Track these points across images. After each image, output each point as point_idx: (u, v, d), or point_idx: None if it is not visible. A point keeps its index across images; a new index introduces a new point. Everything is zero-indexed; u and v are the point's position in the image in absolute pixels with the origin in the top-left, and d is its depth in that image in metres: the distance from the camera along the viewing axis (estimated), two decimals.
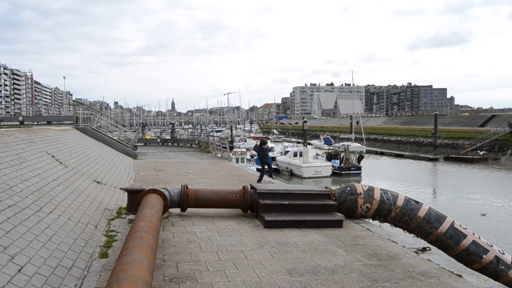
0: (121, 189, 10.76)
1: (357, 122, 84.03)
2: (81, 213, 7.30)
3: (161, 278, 5.17)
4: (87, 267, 5.40)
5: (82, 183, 9.51)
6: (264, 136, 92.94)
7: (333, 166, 40.62)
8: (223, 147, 23.67)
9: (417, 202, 8.38)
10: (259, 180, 14.35)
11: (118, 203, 9.12)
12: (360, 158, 42.25)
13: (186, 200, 8.15)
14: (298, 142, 61.29)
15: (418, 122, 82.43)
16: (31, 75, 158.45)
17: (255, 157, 46.07)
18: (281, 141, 72.68)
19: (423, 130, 68.94)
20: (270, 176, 14.88)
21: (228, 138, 49.72)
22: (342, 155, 42.97)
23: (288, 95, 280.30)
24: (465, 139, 58.26)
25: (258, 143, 15.41)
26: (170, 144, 34.90)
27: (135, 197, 7.79)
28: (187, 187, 8.31)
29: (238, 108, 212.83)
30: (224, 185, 12.33)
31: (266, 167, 14.92)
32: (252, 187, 8.61)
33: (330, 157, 44.21)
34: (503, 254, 7.95)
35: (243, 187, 8.45)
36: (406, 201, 8.32)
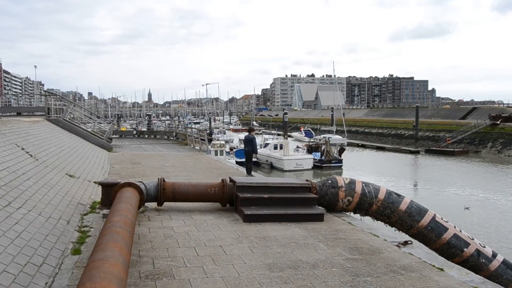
0: (95, 182, 10.61)
1: (343, 114, 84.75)
2: (52, 208, 7.16)
3: (136, 274, 5.10)
4: (58, 264, 5.29)
5: (53, 176, 9.33)
6: (246, 128, 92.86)
7: (314, 159, 40.85)
8: (202, 140, 23.58)
9: (398, 195, 8.47)
10: (249, 172, 14.41)
11: (92, 198, 8.99)
12: (342, 150, 42.60)
13: (163, 194, 8.07)
14: (279, 134, 61.41)
15: (400, 114, 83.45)
16: (0, 64, 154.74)
17: (234, 150, 46.09)
18: (261, 133, 72.68)
19: (405, 123, 69.83)
20: (248, 171, 14.83)
21: (207, 130, 49.40)
22: (323, 147, 43.24)
23: (269, 86, 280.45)
24: (446, 131, 59.27)
25: (248, 132, 15.51)
26: (146, 136, 34.62)
27: (110, 191, 7.67)
28: (164, 180, 8.23)
29: (217, 99, 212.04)
30: (203, 178, 12.26)
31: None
32: (231, 180, 8.58)
33: (311, 149, 44.44)
34: (484, 247, 8.11)
35: (222, 180, 8.42)
36: (387, 194, 8.39)
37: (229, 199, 8.26)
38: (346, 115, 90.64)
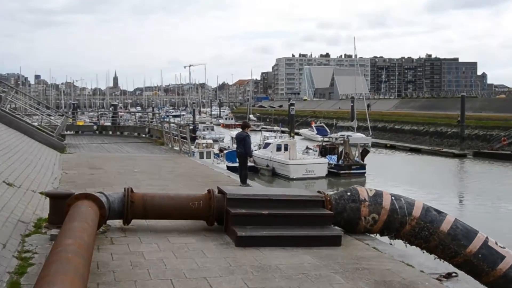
0: (41, 193, 10.57)
1: (368, 106, 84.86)
2: None
3: None
4: None
5: None
6: (240, 123, 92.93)
7: (329, 163, 40.96)
8: (183, 138, 23.59)
9: (439, 212, 8.45)
10: (243, 180, 14.35)
11: (37, 213, 8.93)
12: (365, 153, 42.73)
13: (131, 209, 8.02)
14: (283, 132, 61.51)
15: (440, 106, 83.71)
16: None
17: (225, 151, 46.16)
18: (259, 130, 72.79)
19: (447, 117, 70.09)
20: (243, 179, 14.79)
21: (190, 126, 49.18)
22: (340, 149, 43.33)
23: (270, 69, 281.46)
24: (501, 129, 59.41)
25: (241, 129, 15.42)
26: (111, 133, 34.68)
27: (61, 205, 7.61)
28: (132, 191, 8.18)
29: (203, 85, 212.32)
30: (183, 188, 12.26)
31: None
32: (220, 191, 8.56)
33: (324, 151, 44.56)
34: None
35: (209, 191, 8.39)
36: (424, 210, 8.38)
37: (217, 216, 8.23)
38: (371, 107, 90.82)
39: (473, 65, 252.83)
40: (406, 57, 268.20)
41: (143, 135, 32.42)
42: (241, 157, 15.48)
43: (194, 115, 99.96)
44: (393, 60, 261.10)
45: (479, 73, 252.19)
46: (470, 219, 22.39)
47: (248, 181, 14.96)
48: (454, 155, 54.27)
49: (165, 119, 41.11)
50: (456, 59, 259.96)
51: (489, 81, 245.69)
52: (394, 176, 41.05)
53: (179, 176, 14.82)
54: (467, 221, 8.97)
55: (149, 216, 8.18)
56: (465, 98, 67.95)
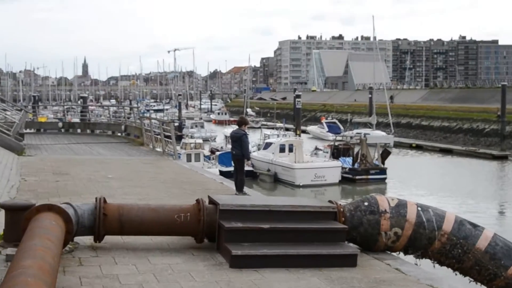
0: None
1: (391, 98, 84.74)
2: None
3: None
4: None
5: None
6: (235, 119, 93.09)
7: (342, 167, 41.02)
8: (166, 137, 23.59)
9: (475, 226, 8.46)
10: (240, 188, 14.32)
11: None
12: (385, 154, 42.79)
13: (104, 223, 8.00)
14: (287, 129, 61.55)
15: (476, 98, 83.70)
16: None
17: (217, 153, 46.19)
18: (259, 127, 72.78)
19: (484, 111, 70.16)
20: (239, 186, 14.78)
21: (175, 122, 49.29)
22: (356, 149, 43.37)
23: (272, 54, 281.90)
24: None
25: (237, 126, 15.32)
26: (79, 131, 34.72)
27: (19, 218, 7.60)
28: (105, 201, 8.17)
29: (191, 74, 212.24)
30: (167, 198, 12.27)
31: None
32: (211, 202, 8.55)
33: (337, 153, 44.66)
34: None
35: (197, 201, 8.37)
36: (457, 224, 8.39)
37: (208, 231, 8.21)
38: (394, 99, 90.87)
39: None
40: (435, 39, 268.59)
41: (119, 134, 32.37)
42: (237, 160, 15.47)
43: (180, 110, 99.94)
44: (419, 43, 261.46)
45: None
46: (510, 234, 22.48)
47: (246, 189, 14.95)
48: (493, 157, 54.37)
49: (145, 115, 41.14)
50: (496, 41, 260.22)
51: None
52: (421, 182, 41.09)
53: (162, 183, 14.80)
54: (509, 237, 8.98)
55: (126, 231, 8.15)
56: (506, 88, 67.72)
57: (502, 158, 54.32)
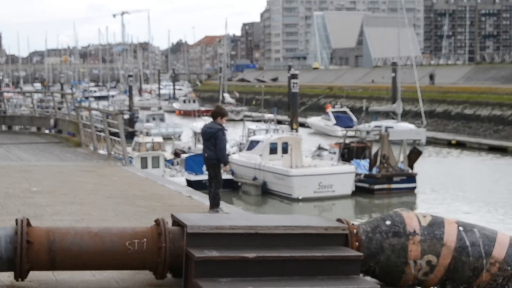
0: None
1: (431, 78, 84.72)
2: None
3: None
4: None
5: None
6: (208, 110, 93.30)
7: (356, 173, 41.03)
8: (113, 134, 23.53)
9: None
10: (215, 203, 14.31)
11: None
12: (415, 155, 42.88)
13: (28, 254, 7.99)
14: (279, 122, 61.57)
15: None
16: None
17: (184, 156, 46.06)
18: (241, 119, 72.70)
19: None
20: (213, 201, 14.75)
21: (124, 114, 49.25)
22: (375, 149, 43.43)
23: (258, 19, 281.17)
24: None
25: (212, 118, 15.14)
26: None
27: None
28: (29, 224, 8.18)
29: (146, 46, 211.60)
30: (115, 218, 12.28)
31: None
32: (176, 223, 8.55)
33: (349, 153, 44.68)
34: None
35: (157, 222, 8.38)
36: None
37: (171, 263, 8.22)
38: (435, 79, 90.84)
39: None
40: None
41: (47, 131, 32.22)
42: (210, 166, 15.41)
43: (131, 97, 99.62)
44: (461, 0, 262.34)
45: None
46: None
47: (223, 204, 14.93)
48: None
49: (84, 104, 40.96)
50: None
51: None
52: (463, 193, 41.18)
53: (107, 198, 14.74)
54: None
55: (59, 265, 8.10)
56: None
57: None
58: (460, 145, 64.35)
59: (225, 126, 14.79)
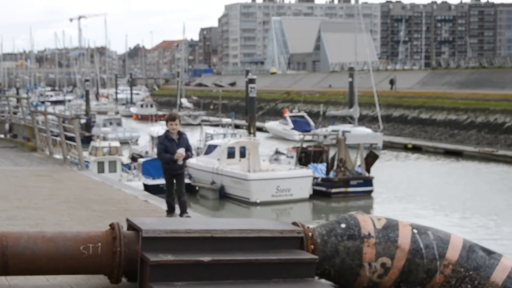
0: None
1: (391, 83, 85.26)
2: None
3: None
4: None
5: None
6: (163, 114, 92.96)
7: (314, 177, 41.09)
8: (69, 139, 23.35)
9: (489, 253, 8.52)
10: (170, 211, 14.16)
11: None
12: (372, 159, 43.06)
13: None
14: (237, 127, 61.56)
15: (495, 81, 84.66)
16: None
17: (141, 160, 45.89)
18: (198, 124, 72.65)
19: (504, 99, 71.07)
20: (182, 209, 14.61)
21: (81, 119, 48.99)
22: (332, 153, 43.53)
23: (216, 23, 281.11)
24: None
25: (165, 122, 14.85)
26: None
27: None
28: None
29: (103, 51, 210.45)
30: (70, 223, 12.19)
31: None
32: (132, 227, 8.50)
33: (306, 157, 44.76)
34: None
35: (112, 226, 8.33)
36: (466, 250, 8.44)
37: (126, 267, 8.16)
38: (396, 84, 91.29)
39: None
40: (439, 1, 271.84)
41: (1, 136, 31.99)
42: (169, 171, 15.32)
43: (88, 101, 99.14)
44: (418, 7, 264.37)
45: None
46: None
47: (178, 210, 14.77)
48: None
49: (39, 108, 40.71)
50: None
51: None
52: (419, 196, 41.41)
53: (62, 203, 14.60)
54: None
55: (12, 270, 7.99)
56: None
57: None
58: (416, 149, 64.79)
59: (173, 130, 14.25)
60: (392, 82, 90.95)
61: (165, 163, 13.78)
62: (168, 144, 13.54)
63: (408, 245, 8.38)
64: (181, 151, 13.12)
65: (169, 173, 13.85)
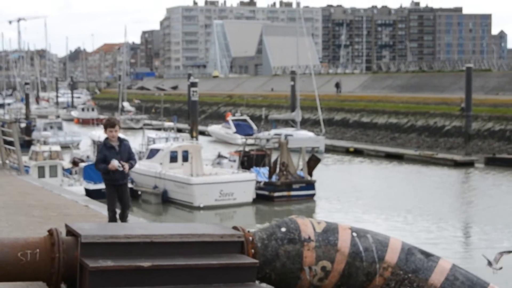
0: None
1: (337, 86, 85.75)
2: None
3: None
4: None
5: None
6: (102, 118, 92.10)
7: (256, 181, 41.08)
8: (7, 143, 23.08)
9: (427, 255, 8.57)
10: (113, 218, 13.82)
11: None
12: (314, 162, 43.16)
13: None
14: (179, 131, 61.37)
15: (434, 85, 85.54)
16: None
17: (82, 165, 45.48)
18: (140, 128, 72.19)
19: (443, 102, 71.99)
20: (123, 216, 14.32)
21: (21, 122, 48.45)
22: (274, 157, 43.59)
23: (158, 26, 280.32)
24: None
25: (104, 128, 14.29)
26: None
27: None
28: None
29: (43, 53, 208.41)
30: (8, 228, 12.11)
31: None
32: (71, 232, 8.41)
33: (248, 161, 44.74)
34: None
35: (50, 232, 8.23)
36: (405, 253, 8.48)
37: (65, 274, 8.08)
38: (341, 87, 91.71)
39: (486, 18, 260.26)
40: (379, 6, 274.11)
41: None
42: (109, 180, 15.08)
43: (28, 104, 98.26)
44: (358, 11, 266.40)
45: (494, 31, 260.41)
46: (478, 265, 23.08)
47: (118, 216, 14.57)
48: (456, 164, 55.65)
49: None
50: (460, 9, 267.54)
51: (510, 45, 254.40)
52: (360, 199, 41.60)
53: (1, 208, 14.39)
54: (473, 269, 9.20)
55: None
56: (471, 72, 68.43)
57: (467, 164, 55.68)
58: (358, 152, 65.02)
59: (123, 135, 14.05)
60: (337, 85, 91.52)
61: (104, 173, 12.71)
62: (107, 153, 12.55)
63: (348, 248, 8.38)
64: (114, 163, 12.05)
65: (111, 184, 12.90)
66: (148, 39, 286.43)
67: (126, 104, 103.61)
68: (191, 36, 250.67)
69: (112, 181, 12.58)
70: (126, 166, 12.13)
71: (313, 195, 41.43)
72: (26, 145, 54.35)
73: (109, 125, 12.48)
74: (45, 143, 55.28)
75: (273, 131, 66.32)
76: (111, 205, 12.84)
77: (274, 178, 41.63)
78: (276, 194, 40.93)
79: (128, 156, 12.41)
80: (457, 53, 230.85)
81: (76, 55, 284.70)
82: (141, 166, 43.50)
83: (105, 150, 12.37)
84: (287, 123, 72.09)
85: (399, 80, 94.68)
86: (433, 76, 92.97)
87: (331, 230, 8.49)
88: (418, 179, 50.15)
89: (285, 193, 41.00)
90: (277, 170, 41.82)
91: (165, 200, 40.86)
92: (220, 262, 8.21)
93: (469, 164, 55.64)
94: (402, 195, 43.06)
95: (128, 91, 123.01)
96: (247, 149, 47.08)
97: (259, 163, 44.29)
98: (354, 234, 8.53)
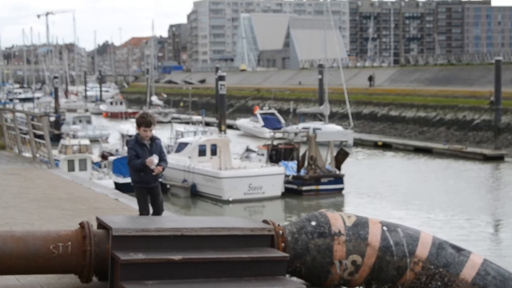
0: None
1: (370, 80, 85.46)
2: None
3: None
4: None
5: None
6: (134, 112, 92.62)
7: (285, 175, 41.03)
8: (38, 137, 23.18)
9: (459, 250, 8.52)
10: (145, 208, 13.52)
11: None
12: (342, 157, 43.09)
13: None
14: (208, 124, 61.33)
15: (463, 78, 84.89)
16: None
17: (111, 158, 45.59)
18: (168, 122, 72.31)
19: (473, 96, 71.44)
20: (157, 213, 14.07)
21: (50, 116, 48.70)
22: (303, 151, 43.52)
23: (185, 20, 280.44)
24: None
25: (137, 126, 13.44)
26: None
27: None
28: None
29: (71, 47, 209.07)
30: (40, 221, 12.07)
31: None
32: (102, 226, 8.41)
33: (277, 155, 44.69)
34: None
35: (82, 225, 8.25)
36: (436, 247, 8.44)
37: (97, 266, 8.08)
38: (375, 80, 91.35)
39: None
40: None
41: None
42: (148, 186, 14.82)
43: (57, 98, 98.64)
44: (386, 3, 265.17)
45: None
46: (510, 260, 23.03)
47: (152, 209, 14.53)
48: (485, 158, 55.53)
49: (8, 106, 40.40)
50: (488, 1, 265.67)
51: None
52: (389, 193, 41.48)
53: (32, 201, 14.49)
54: (505, 263, 9.14)
55: None
56: (501, 65, 68.10)
57: (497, 158, 55.53)
58: (386, 146, 64.94)
59: (145, 134, 12.27)
60: (371, 78, 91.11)
61: (136, 172, 11.46)
62: (139, 151, 11.28)
63: (378, 242, 8.35)
64: (153, 160, 10.79)
65: (142, 187, 11.62)
66: (176, 32, 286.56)
67: (154, 98, 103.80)
68: (218, 30, 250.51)
69: (144, 183, 11.40)
70: (159, 168, 11.07)
71: (341, 189, 41.38)
72: (55, 139, 54.53)
73: (144, 123, 11.16)
74: (74, 136, 55.68)
75: (301, 125, 66.21)
76: (144, 210, 11.66)
77: (302, 172, 41.62)
78: (305, 188, 40.90)
79: (159, 156, 11.20)
80: (486, 46, 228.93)
81: (104, 49, 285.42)
82: (169, 160, 43.49)
83: (137, 147, 11.18)
84: (315, 116, 71.96)
85: (427, 73, 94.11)
86: (462, 69, 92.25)
87: (361, 224, 8.48)
88: (447, 173, 49.84)
89: (313, 187, 40.96)
90: (306, 164, 41.79)
91: (194, 194, 40.90)
92: (250, 256, 8.16)
93: (499, 158, 55.42)
94: (432, 189, 42.83)
95: (156, 85, 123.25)
96: (275, 143, 47.06)
97: (287, 157, 44.27)
98: (385, 228, 8.50)
